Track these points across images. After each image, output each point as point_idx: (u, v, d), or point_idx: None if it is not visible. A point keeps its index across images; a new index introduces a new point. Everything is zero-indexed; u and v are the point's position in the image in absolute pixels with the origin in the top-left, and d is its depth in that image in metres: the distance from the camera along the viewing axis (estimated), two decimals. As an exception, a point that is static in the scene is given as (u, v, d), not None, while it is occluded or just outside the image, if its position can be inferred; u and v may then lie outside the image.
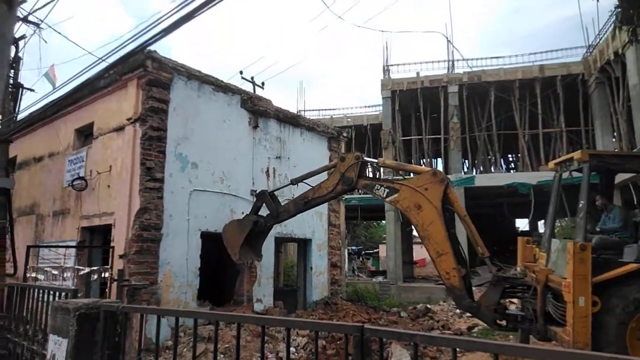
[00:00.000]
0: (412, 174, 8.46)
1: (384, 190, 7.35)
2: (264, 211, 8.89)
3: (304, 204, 8.20)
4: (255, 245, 9.04)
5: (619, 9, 7.43)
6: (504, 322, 6.70)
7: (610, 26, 14.76)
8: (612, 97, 16.24)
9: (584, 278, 5.49)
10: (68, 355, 2.83)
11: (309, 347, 7.86)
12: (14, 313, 4.12)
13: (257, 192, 9.28)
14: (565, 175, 7.04)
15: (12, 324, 4.14)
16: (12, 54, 11.68)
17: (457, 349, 1.79)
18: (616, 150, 16.22)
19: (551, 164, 7.51)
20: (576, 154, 6.39)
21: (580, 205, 6.16)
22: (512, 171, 24.20)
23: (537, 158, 18.82)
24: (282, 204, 8.84)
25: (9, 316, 4.19)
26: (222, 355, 7.25)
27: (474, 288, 9.24)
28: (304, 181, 8.51)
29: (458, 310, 11.00)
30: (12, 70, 11.70)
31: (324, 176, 8.81)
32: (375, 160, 8.32)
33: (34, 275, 9.66)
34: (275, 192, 9.06)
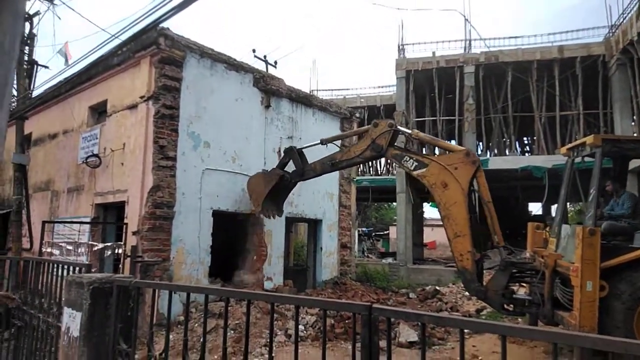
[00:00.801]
0: (444, 152, 8.30)
1: (413, 163, 7.23)
2: (290, 167, 8.99)
3: (331, 165, 8.21)
4: (278, 200, 9.10)
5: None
6: (511, 307, 6.70)
7: (636, 5, 14.25)
8: (634, 80, 15.78)
9: (592, 263, 5.46)
10: (82, 328, 2.92)
11: (318, 325, 7.98)
12: (30, 286, 4.24)
13: (286, 148, 9.29)
14: (578, 160, 6.93)
15: (28, 297, 4.26)
16: (27, 31, 11.74)
17: (465, 330, 1.79)
18: (635, 134, 15.87)
19: (563, 149, 7.39)
20: (588, 139, 6.27)
21: (591, 190, 6.08)
22: (527, 154, 23.85)
23: (553, 141, 18.49)
24: (309, 163, 8.80)
25: (25, 289, 4.31)
26: (232, 331, 7.41)
27: (485, 271, 9.22)
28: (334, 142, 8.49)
29: (467, 293, 11.04)
30: (26, 47, 11.77)
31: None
32: (409, 131, 8.03)
33: (49, 250, 9.90)
34: (304, 150, 9.01)
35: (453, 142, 23.51)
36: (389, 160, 8.06)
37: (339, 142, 8.61)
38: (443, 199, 6.82)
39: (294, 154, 8.77)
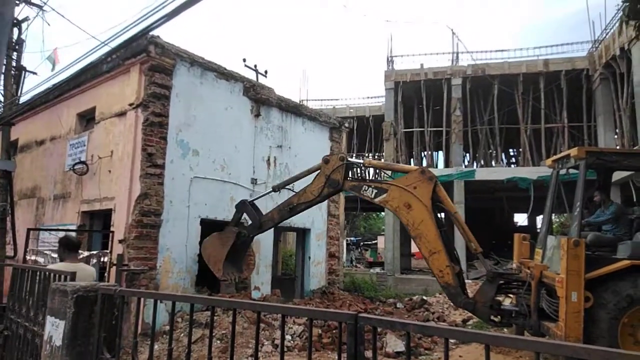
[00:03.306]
0: (400, 174, 8.27)
1: (372, 191, 7.25)
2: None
3: (289, 210, 7.98)
4: (237, 259, 8.75)
5: (627, 3, 7.36)
6: (498, 318, 6.75)
7: (617, 21, 14.64)
8: (616, 94, 16.16)
9: (577, 274, 5.54)
10: (65, 336, 2.88)
11: (305, 335, 7.94)
12: (17, 294, 4.18)
13: (237, 203, 8.94)
14: (562, 172, 7.06)
15: (14, 305, 4.20)
16: (15, 36, 11.65)
17: (452, 340, 1.82)
18: (618, 147, 16.18)
19: (548, 161, 7.52)
20: (573, 151, 6.40)
21: (576, 202, 6.19)
22: (512, 166, 24.17)
23: (539, 153, 18.79)
24: (265, 213, 8.53)
25: (13, 297, 4.24)
26: (218, 341, 7.34)
27: (470, 281, 9.21)
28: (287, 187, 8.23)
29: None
30: (15, 53, 11.67)
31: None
32: (361, 162, 8.06)
33: (33, 258, 9.74)
34: (256, 201, 8.75)
35: (440, 153, 23.79)
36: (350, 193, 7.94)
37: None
38: (410, 219, 6.86)
39: (246, 207, 8.46)
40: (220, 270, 8.42)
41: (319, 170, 7.83)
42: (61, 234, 9.37)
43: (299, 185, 8.52)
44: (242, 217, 8.88)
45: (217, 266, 8.42)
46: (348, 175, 7.68)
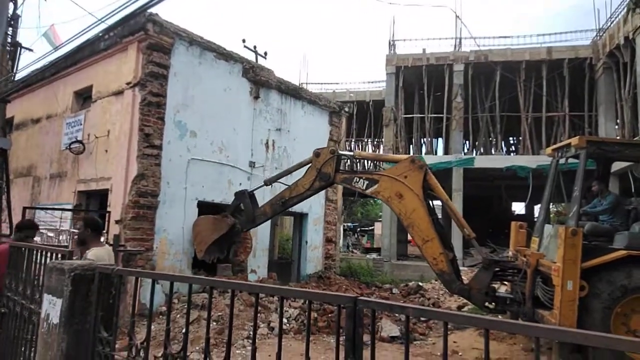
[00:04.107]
0: (390, 164, 8.24)
1: (364, 182, 7.27)
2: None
3: (282, 204, 7.98)
4: (223, 244, 8.82)
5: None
6: (492, 305, 6.80)
7: (623, 10, 14.47)
8: (619, 83, 16.07)
9: (573, 263, 5.55)
10: (62, 314, 2.86)
11: (301, 318, 7.99)
12: (14, 272, 4.16)
13: (236, 192, 8.96)
14: (562, 161, 7.03)
15: (12, 283, 4.18)
16: (11, 11, 11.43)
17: (448, 325, 1.80)
18: (618, 137, 16.15)
19: (549, 150, 7.49)
20: (573, 140, 6.36)
21: (575, 191, 6.18)
22: (512, 154, 24.15)
23: (539, 141, 18.74)
24: (259, 207, 8.50)
25: (10, 275, 4.23)
26: (214, 323, 7.38)
27: (466, 268, 9.22)
28: (279, 180, 8.20)
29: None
30: (10, 29, 11.46)
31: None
32: (351, 153, 8.10)
33: (30, 236, 9.70)
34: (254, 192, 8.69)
35: (440, 140, 23.74)
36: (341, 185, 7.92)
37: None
38: (402, 209, 6.87)
39: (245, 198, 8.42)
40: (202, 252, 8.53)
41: (310, 164, 7.81)
42: (57, 213, 9.36)
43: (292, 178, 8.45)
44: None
45: (201, 247, 8.54)
46: (339, 168, 7.67)
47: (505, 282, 7.72)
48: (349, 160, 8.07)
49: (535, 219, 8.48)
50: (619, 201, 6.88)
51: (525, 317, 6.45)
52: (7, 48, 11.39)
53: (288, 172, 8.22)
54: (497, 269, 6.91)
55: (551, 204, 9.03)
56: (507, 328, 1.84)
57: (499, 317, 8.11)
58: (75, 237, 8.51)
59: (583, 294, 5.61)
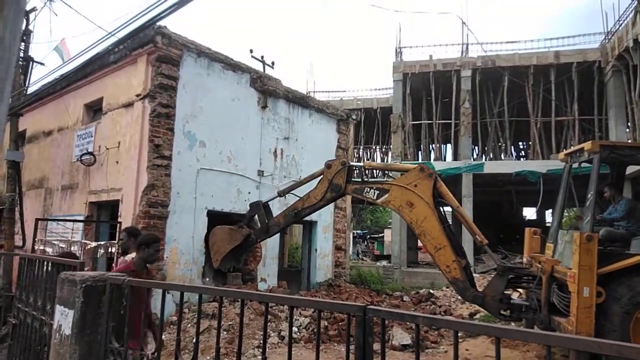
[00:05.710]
0: (400, 173, 8.26)
1: (374, 192, 7.30)
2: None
3: (294, 215, 8.04)
4: (238, 254, 8.86)
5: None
6: (508, 312, 6.70)
7: (632, 12, 14.36)
8: (628, 86, 15.90)
9: (589, 269, 5.46)
10: (74, 325, 2.88)
11: (311, 327, 7.95)
12: (24, 284, 4.20)
13: (251, 202, 8.98)
14: (575, 165, 6.95)
15: (22, 294, 4.22)
16: (23, 27, 11.66)
17: (459, 334, 1.78)
18: (629, 140, 15.96)
19: (561, 155, 7.42)
20: (587, 145, 6.29)
21: (589, 196, 6.09)
22: (522, 159, 23.96)
23: (549, 146, 18.57)
24: (273, 217, 8.53)
25: (20, 286, 4.27)
26: (224, 332, 7.36)
27: (478, 275, 9.11)
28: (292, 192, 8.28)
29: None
30: (22, 43, 11.69)
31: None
32: (361, 164, 8.23)
33: (42, 248, 9.82)
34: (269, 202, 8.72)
35: (449, 146, 23.64)
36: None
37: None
38: (413, 217, 6.86)
39: (260, 209, 8.44)
40: (217, 262, 8.59)
41: (322, 175, 7.88)
42: (69, 224, 9.44)
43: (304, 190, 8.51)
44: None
45: (217, 257, 8.59)
46: (350, 179, 7.71)
47: (519, 289, 7.61)
48: (358, 170, 8.15)
49: (548, 224, 8.38)
50: (634, 206, 6.77)
51: (541, 325, 6.34)
52: (20, 62, 11.61)
53: (301, 183, 8.32)
54: (511, 275, 6.83)
55: (565, 209, 8.90)
56: (518, 336, 1.82)
57: (513, 324, 8.01)
58: (119, 246, 8.62)
59: (600, 300, 5.52)
